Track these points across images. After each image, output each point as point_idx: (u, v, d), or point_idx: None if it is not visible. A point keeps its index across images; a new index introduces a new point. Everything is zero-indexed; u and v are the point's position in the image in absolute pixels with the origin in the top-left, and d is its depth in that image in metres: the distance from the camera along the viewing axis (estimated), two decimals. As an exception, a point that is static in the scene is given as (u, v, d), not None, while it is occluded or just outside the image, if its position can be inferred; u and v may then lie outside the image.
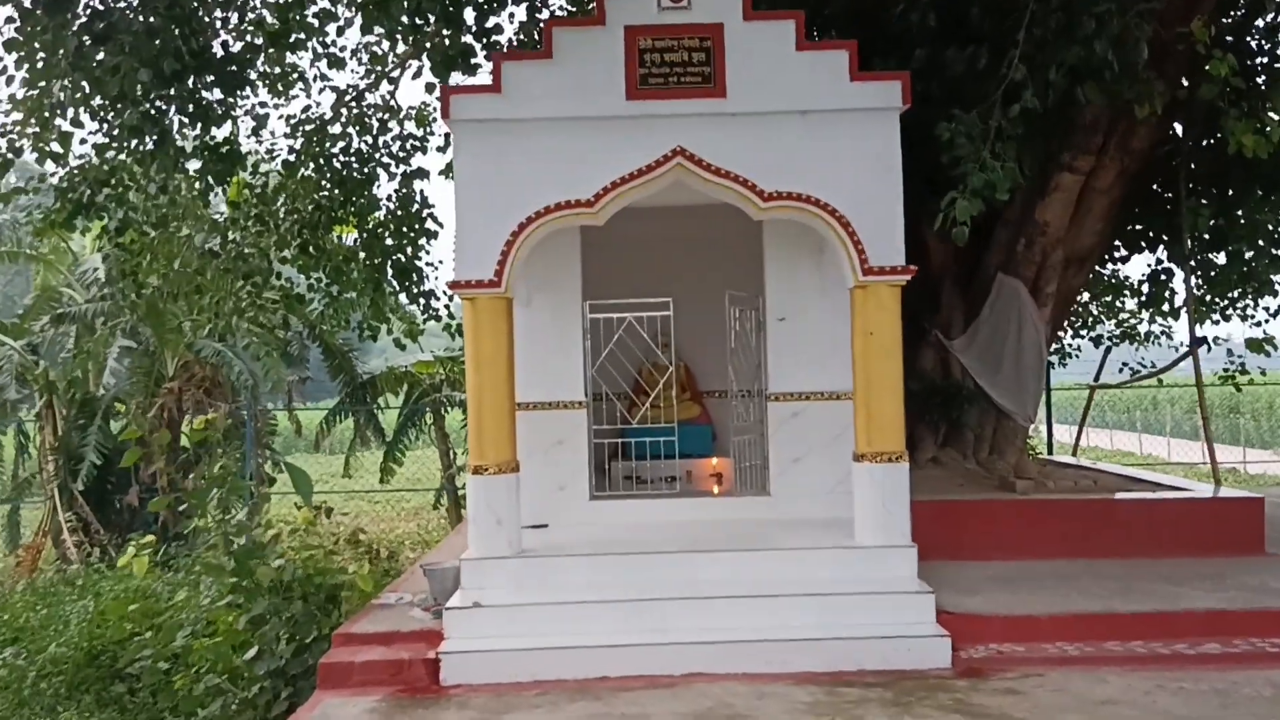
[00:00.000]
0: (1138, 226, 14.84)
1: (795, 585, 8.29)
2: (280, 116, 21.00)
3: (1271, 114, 10.21)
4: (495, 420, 8.77)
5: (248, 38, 12.77)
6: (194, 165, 12.76)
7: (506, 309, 8.85)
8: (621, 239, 11.43)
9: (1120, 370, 16.56)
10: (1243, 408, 30.05)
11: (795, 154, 8.78)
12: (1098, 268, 15.08)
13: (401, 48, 14.63)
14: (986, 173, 8.74)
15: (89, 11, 10.53)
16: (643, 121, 8.78)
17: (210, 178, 12.65)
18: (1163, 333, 18.14)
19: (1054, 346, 15.55)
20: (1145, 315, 17.47)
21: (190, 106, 11.13)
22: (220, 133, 12.73)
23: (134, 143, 11.26)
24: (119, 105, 10.71)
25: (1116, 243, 15.11)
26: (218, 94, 11.69)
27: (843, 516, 9.17)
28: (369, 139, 14.77)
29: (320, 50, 13.78)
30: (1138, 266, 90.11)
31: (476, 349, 8.80)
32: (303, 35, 13.12)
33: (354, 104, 14.82)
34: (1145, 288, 16.03)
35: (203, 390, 18.93)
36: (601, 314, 10.44)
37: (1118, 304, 18.07)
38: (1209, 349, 13.54)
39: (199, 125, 11.52)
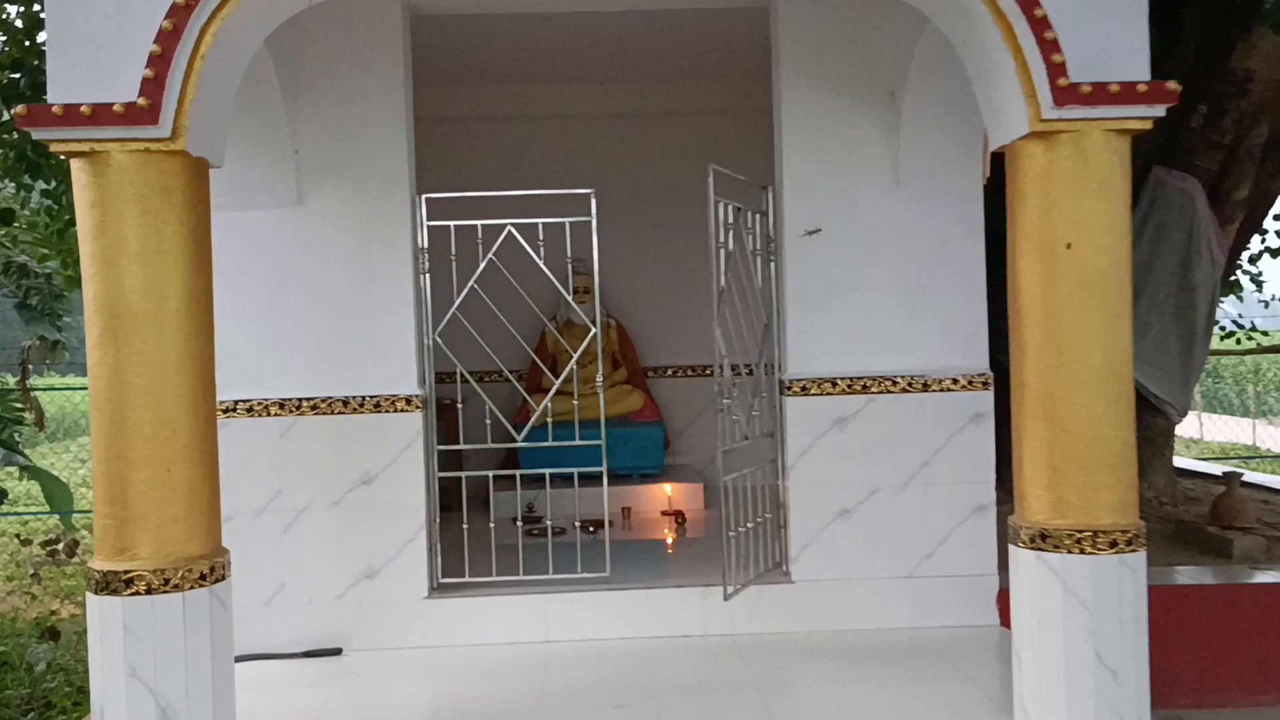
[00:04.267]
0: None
1: None
2: None
3: None
4: (158, 445, 3.51)
5: None
6: None
7: (188, 185, 3.57)
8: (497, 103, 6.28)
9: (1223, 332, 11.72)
10: None
11: None
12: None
13: None
14: None
15: None
16: None
17: None
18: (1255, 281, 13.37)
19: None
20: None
21: None
22: None
23: None
24: None
25: None
26: None
27: (948, 633, 4.24)
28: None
29: None
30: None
31: (107, 273, 3.50)
32: None
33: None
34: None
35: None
36: (453, 220, 5.21)
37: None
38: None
39: None
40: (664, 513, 7.11)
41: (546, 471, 5.50)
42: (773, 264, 5.34)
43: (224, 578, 3.62)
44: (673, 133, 8.14)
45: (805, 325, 5.24)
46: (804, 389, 5.20)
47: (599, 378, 5.31)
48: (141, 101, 3.41)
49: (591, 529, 6.54)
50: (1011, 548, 3.86)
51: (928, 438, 5.19)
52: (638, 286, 8.19)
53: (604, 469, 5.35)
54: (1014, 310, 3.84)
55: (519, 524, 6.04)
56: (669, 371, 8.34)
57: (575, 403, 5.39)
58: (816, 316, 5.24)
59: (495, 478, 7.39)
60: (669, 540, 6.58)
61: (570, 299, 5.46)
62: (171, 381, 3.53)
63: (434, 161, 6.29)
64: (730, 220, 4.96)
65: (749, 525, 5.05)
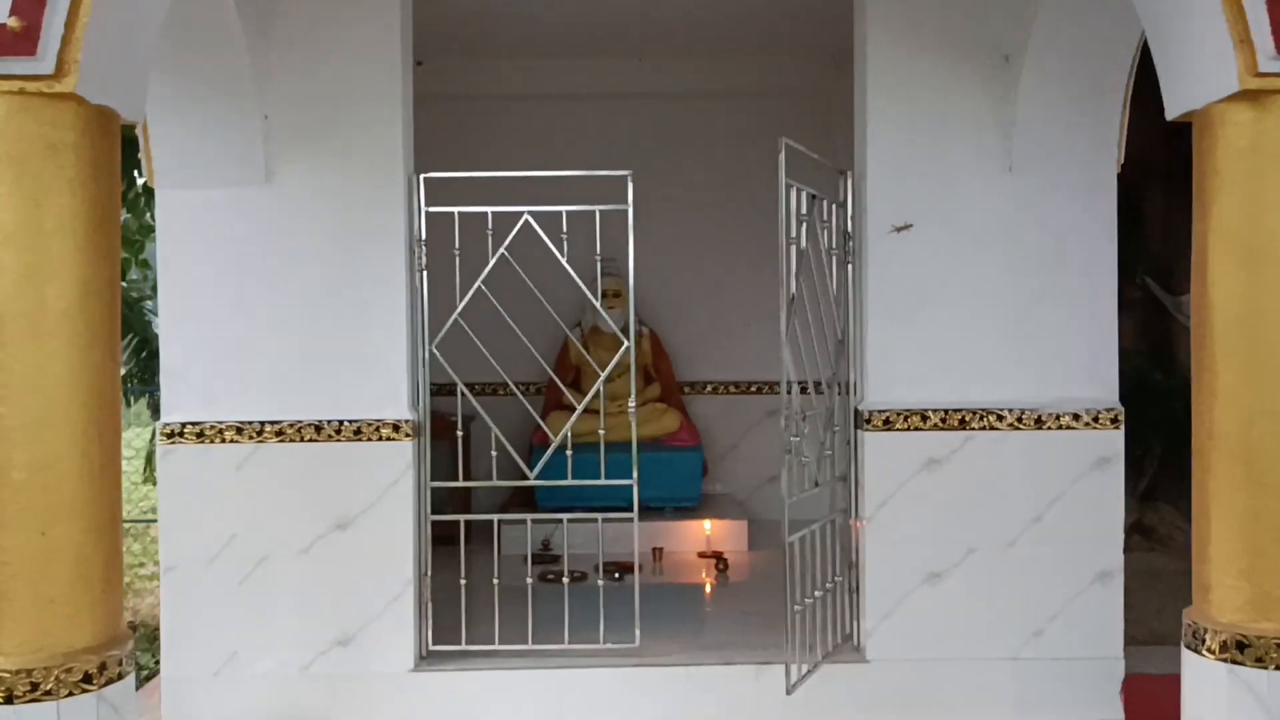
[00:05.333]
0: None
1: None
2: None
3: None
4: (31, 498, 2.54)
5: None
6: None
7: (84, 142, 2.60)
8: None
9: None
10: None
11: None
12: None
13: None
14: None
15: None
16: None
17: None
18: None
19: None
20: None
21: None
22: None
23: None
24: None
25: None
26: None
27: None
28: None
29: None
30: None
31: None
32: None
33: None
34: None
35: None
36: (455, 206, 4.24)
37: None
38: None
39: None
40: (702, 554, 6.10)
41: (564, 517, 4.51)
42: (850, 266, 4.33)
43: (120, 677, 2.64)
44: (717, 116, 7.13)
45: (889, 343, 4.22)
46: (886, 422, 4.19)
47: (632, 401, 4.31)
48: (12, 22, 2.45)
49: (618, 575, 5.55)
50: (1186, 653, 2.84)
51: (1040, 486, 4.16)
52: (672, 290, 7.19)
53: (634, 504, 4.35)
54: (1201, 334, 2.82)
55: (530, 565, 5.04)
56: (707, 388, 7.33)
57: (601, 430, 4.40)
58: (903, 332, 4.22)
59: (506, 508, 6.48)
60: (708, 587, 5.59)
61: (599, 304, 4.46)
62: (54, 409, 2.56)
63: (439, 146, 5.34)
64: (804, 210, 3.94)
65: (817, 595, 4.03)
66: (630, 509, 4.35)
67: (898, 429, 4.19)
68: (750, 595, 5.31)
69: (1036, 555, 4.16)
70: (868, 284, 4.23)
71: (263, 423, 4.10)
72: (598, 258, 4.31)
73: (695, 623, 4.99)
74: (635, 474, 4.35)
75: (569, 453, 4.34)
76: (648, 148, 6.89)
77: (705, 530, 6.19)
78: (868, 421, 4.19)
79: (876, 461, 4.19)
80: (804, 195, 3.93)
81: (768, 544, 6.32)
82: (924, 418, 4.18)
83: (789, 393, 3.77)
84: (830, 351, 4.25)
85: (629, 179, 4.22)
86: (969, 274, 4.21)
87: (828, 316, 4.22)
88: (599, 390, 4.42)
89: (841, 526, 4.28)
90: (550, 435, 4.49)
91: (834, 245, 4.26)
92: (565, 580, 4.40)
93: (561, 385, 4.70)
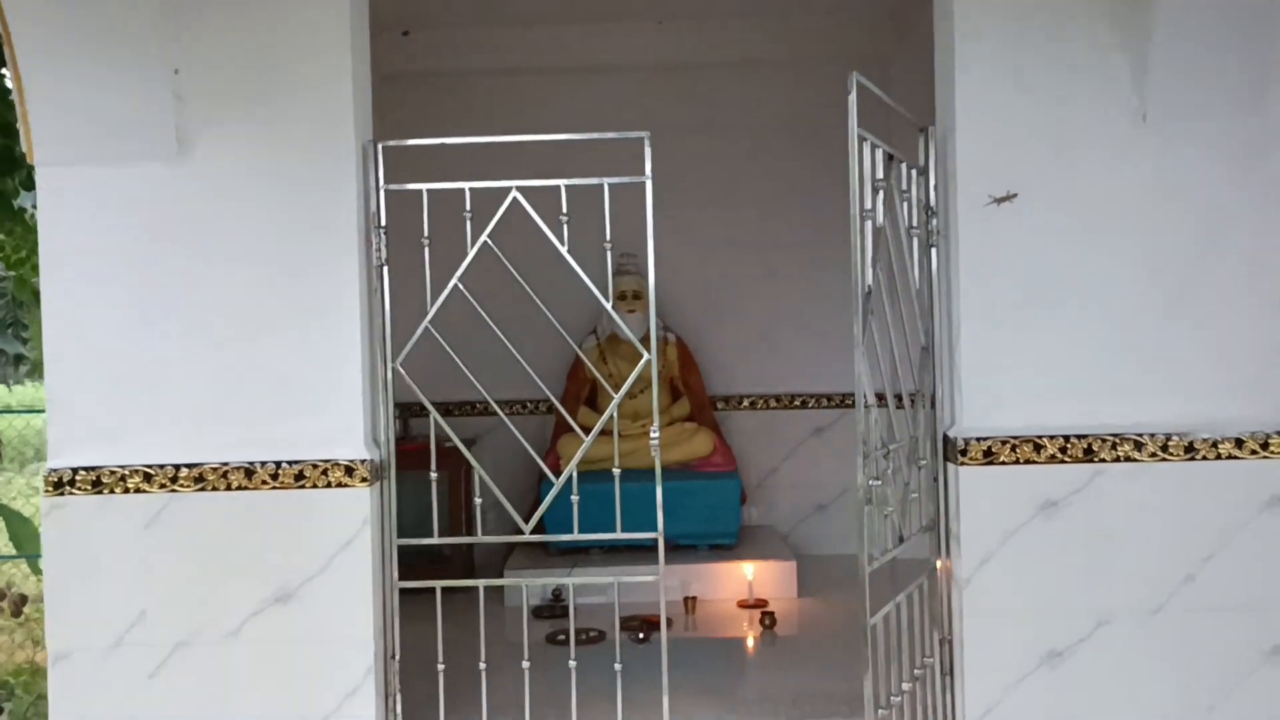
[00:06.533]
0: None
1: None
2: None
3: None
4: None
5: None
6: None
7: None
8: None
9: None
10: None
11: None
12: None
13: None
14: None
15: None
16: None
17: None
18: None
19: None
20: None
21: None
22: None
23: None
24: None
25: None
26: None
27: None
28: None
29: None
30: None
31: None
32: None
33: None
34: None
35: None
36: (425, 183, 3.30)
37: None
38: None
39: None
40: (743, 604, 5.13)
41: (570, 581, 3.55)
42: (934, 250, 3.35)
43: None
44: (749, 88, 6.14)
45: (990, 350, 3.24)
46: (987, 454, 3.20)
47: (654, 428, 3.35)
48: None
49: (642, 634, 4.60)
50: None
51: (1194, 535, 3.17)
52: (701, 290, 6.21)
53: (660, 548, 3.39)
54: None
55: (526, 626, 4.10)
56: (743, 403, 6.35)
57: (616, 469, 3.44)
58: (1008, 336, 3.23)
59: (512, 548, 5.54)
60: (751, 642, 4.64)
61: (609, 306, 3.50)
62: None
63: (426, 125, 4.43)
64: (880, 174, 2.96)
65: (905, 689, 3.05)
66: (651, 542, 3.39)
67: (1003, 462, 3.20)
68: (805, 658, 4.34)
69: (1189, 626, 3.16)
70: (960, 273, 3.24)
71: (178, 466, 3.16)
72: (607, 245, 3.35)
73: (738, 693, 4.02)
74: (660, 513, 3.38)
75: (574, 498, 3.38)
76: (671, 124, 5.91)
77: (747, 577, 5.21)
78: (963, 453, 3.21)
79: (975, 505, 3.21)
80: (880, 153, 2.95)
81: (820, 587, 5.36)
82: (1037, 447, 3.19)
83: (866, 422, 2.79)
84: (913, 362, 3.27)
85: (646, 141, 3.26)
86: (1094, 260, 3.21)
87: (909, 316, 3.24)
88: (614, 411, 3.45)
89: (929, 593, 3.29)
90: (558, 464, 3.53)
91: (914, 222, 3.28)
92: (573, 636, 3.42)
93: (561, 407, 3.70)
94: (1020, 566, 3.20)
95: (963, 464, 3.21)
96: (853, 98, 2.73)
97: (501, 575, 5.19)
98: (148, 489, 3.16)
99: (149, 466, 3.17)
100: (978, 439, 3.21)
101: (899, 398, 3.13)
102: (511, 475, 3.45)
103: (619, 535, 3.42)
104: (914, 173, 3.27)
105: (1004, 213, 3.22)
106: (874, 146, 2.90)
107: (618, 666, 3.37)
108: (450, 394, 3.42)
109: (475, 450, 5.82)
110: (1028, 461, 3.20)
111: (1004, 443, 3.20)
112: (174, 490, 3.16)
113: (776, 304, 6.16)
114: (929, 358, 3.35)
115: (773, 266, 6.12)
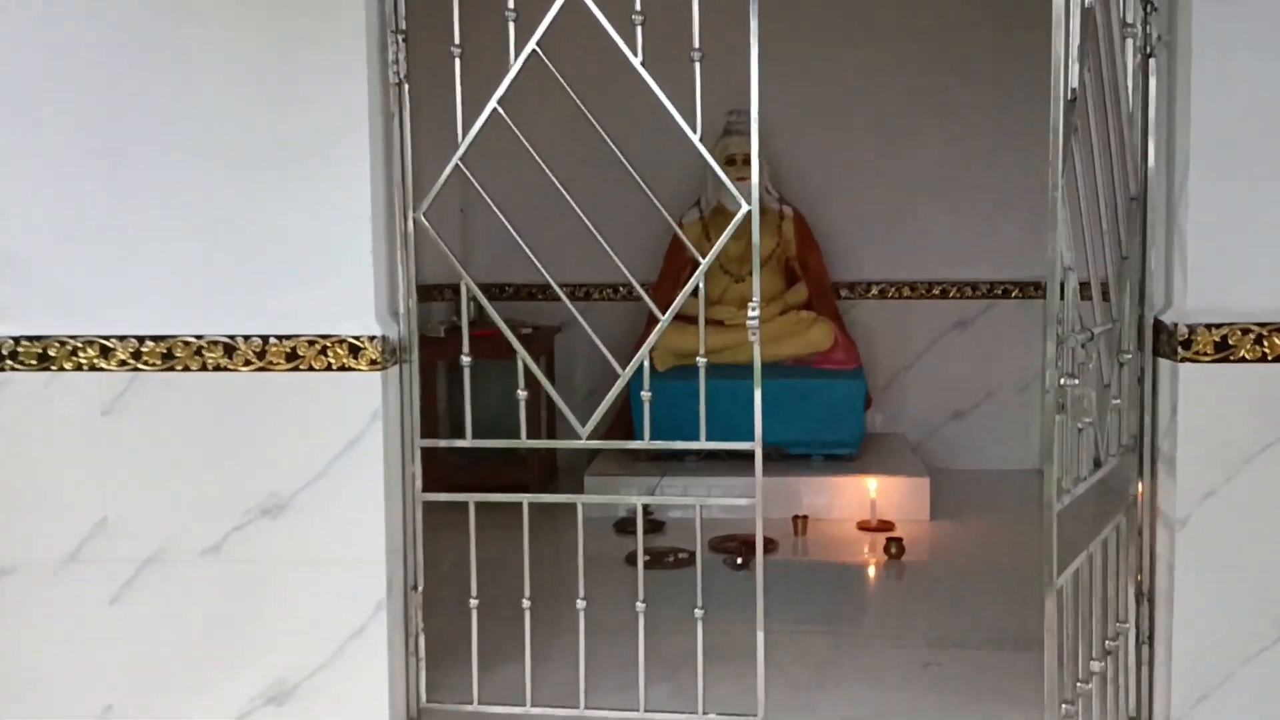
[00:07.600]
0: None
1: None
2: None
3: None
4: None
5: None
6: None
7: None
8: None
9: None
10: None
11: None
12: None
13: None
14: None
15: None
16: None
17: None
18: None
19: None
20: None
21: None
22: None
23: None
24: None
25: None
26: None
27: None
28: None
29: None
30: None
31: None
32: None
33: None
34: None
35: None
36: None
37: None
38: None
39: None
40: (864, 526, 4.32)
41: (650, 501, 2.78)
42: (1153, 60, 2.39)
43: None
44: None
45: (1227, 201, 2.29)
46: (1220, 346, 2.28)
47: (752, 305, 2.53)
48: None
49: (740, 559, 3.85)
50: None
51: None
52: (821, 155, 5.27)
53: (758, 454, 2.58)
54: None
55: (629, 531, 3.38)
56: (871, 290, 5.43)
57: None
58: (1255, 183, 2.29)
59: (595, 451, 4.81)
60: (872, 574, 3.86)
61: (717, 166, 2.65)
62: None
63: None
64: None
65: (1095, 667, 2.19)
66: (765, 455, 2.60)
67: (1242, 358, 2.28)
68: (940, 600, 3.54)
69: None
70: (1191, 90, 2.28)
71: (142, 338, 2.48)
72: (695, 54, 2.48)
73: (855, 635, 3.24)
74: (758, 416, 2.56)
75: (645, 395, 2.59)
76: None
77: (869, 492, 4.38)
78: (1184, 344, 2.29)
79: (1200, 417, 2.30)
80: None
81: (957, 511, 4.55)
82: (1292, 339, 2.26)
83: (1064, 292, 1.89)
84: (1120, 222, 2.34)
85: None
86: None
87: (1119, 156, 2.30)
88: (700, 282, 2.64)
89: (1126, 535, 2.41)
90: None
91: (1129, 17, 2.31)
92: (640, 601, 2.66)
93: (646, 295, 2.83)
94: (1259, 504, 2.30)
95: (1183, 359, 2.30)
96: None
97: (583, 481, 4.49)
98: (105, 366, 2.49)
99: (108, 338, 2.49)
100: (1207, 325, 2.29)
101: (1102, 283, 2.22)
102: (604, 367, 2.65)
103: (703, 444, 2.63)
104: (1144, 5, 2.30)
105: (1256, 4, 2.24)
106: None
107: (698, 612, 2.59)
108: (532, 274, 2.64)
109: (562, 339, 5.17)
110: (1278, 359, 2.28)
111: (1245, 332, 2.28)
112: (137, 368, 2.48)
113: (912, 173, 5.20)
114: (1137, 211, 2.41)
115: (912, 126, 5.16)
